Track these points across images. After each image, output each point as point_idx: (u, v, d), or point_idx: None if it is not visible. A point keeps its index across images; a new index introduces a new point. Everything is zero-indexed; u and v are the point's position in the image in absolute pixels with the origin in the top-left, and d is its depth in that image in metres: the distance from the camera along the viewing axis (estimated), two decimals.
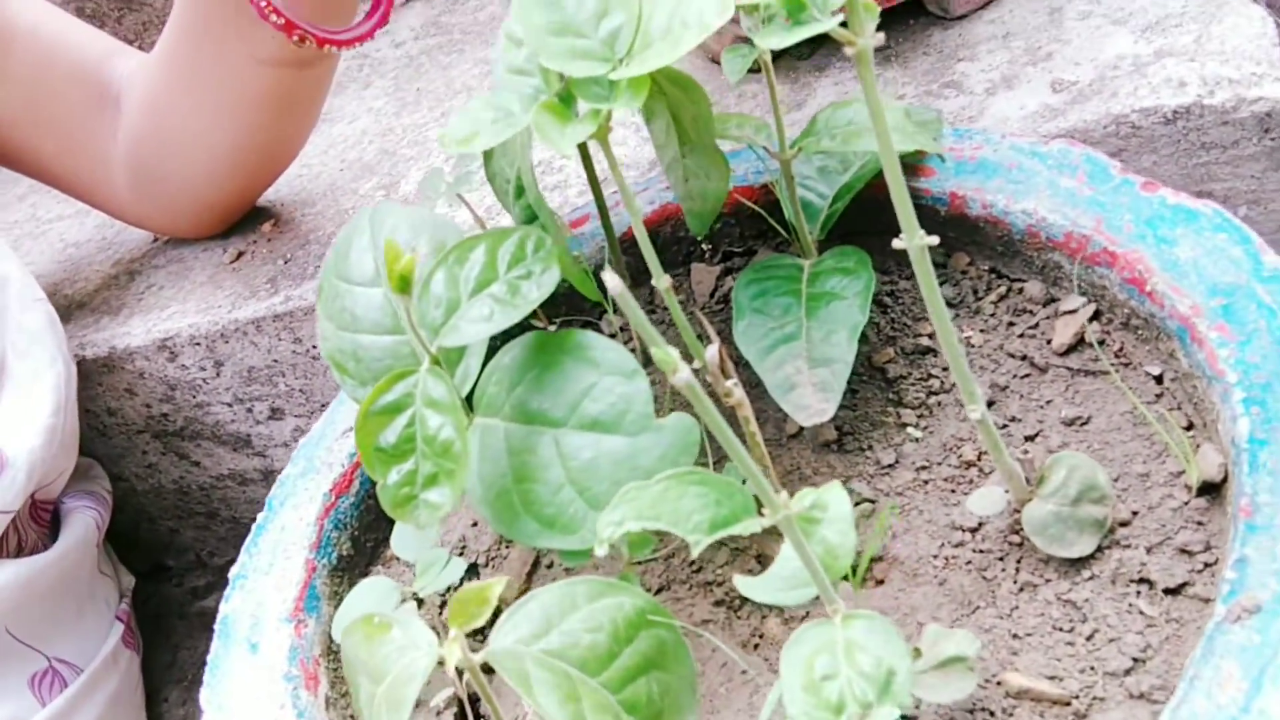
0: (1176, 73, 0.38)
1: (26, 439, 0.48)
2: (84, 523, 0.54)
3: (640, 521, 0.19)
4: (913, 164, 0.33)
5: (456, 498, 0.24)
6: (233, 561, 0.77)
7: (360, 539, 0.32)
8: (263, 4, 0.42)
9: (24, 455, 0.47)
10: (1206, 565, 0.23)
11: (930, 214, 0.32)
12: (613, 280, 0.18)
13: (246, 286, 0.53)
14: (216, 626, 0.29)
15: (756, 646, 0.26)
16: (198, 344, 0.53)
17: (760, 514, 0.20)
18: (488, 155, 0.31)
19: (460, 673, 0.20)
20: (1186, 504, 0.24)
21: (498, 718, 0.22)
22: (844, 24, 0.20)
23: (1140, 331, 0.28)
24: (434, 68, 0.68)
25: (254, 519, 0.66)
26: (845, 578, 0.22)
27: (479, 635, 0.28)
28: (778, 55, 0.46)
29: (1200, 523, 0.24)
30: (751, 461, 0.19)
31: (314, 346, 0.52)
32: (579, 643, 0.20)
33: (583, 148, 0.29)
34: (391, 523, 0.34)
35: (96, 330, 0.56)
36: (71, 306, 0.60)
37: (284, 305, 0.50)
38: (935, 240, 0.22)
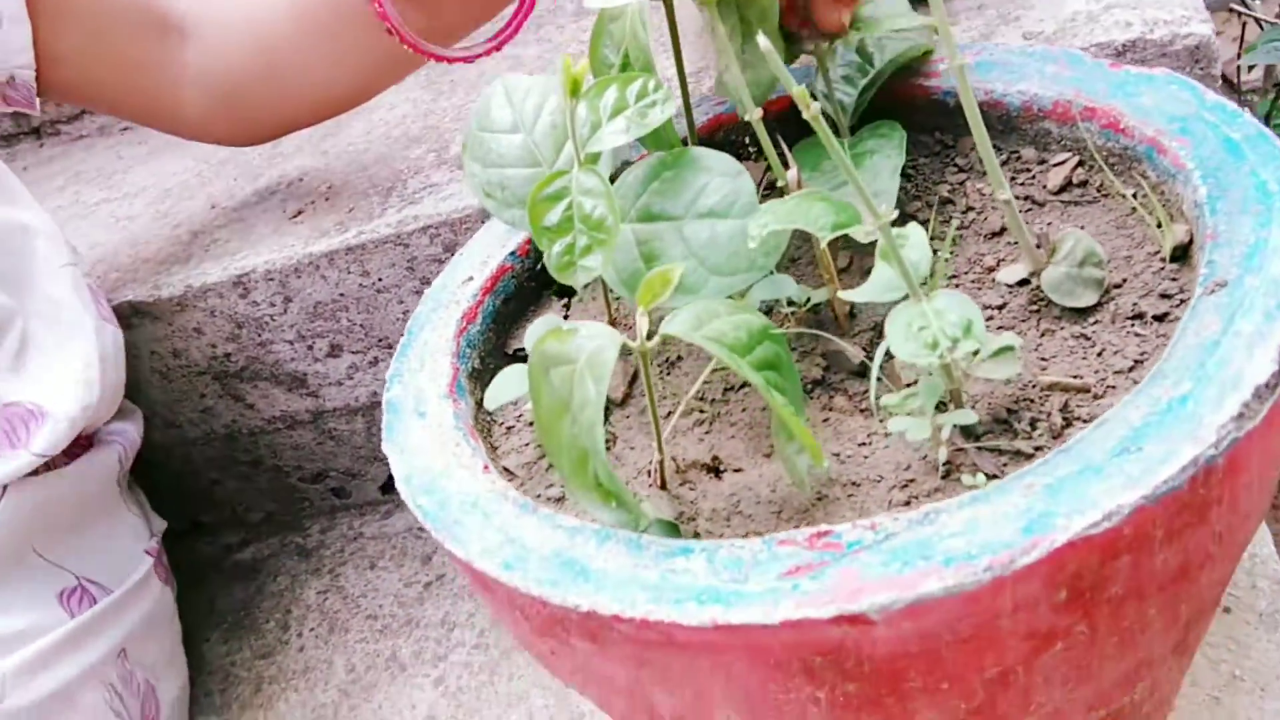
0: (1123, 17, 0.47)
1: (67, 396, 0.52)
2: (108, 450, 0.57)
3: (781, 223, 0.26)
4: (925, 69, 0.41)
5: (607, 263, 0.30)
6: (268, 516, 0.82)
7: (485, 360, 0.38)
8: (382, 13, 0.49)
9: (64, 409, 0.51)
10: (1183, 302, 0.30)
11: (941, 106, 0.40)
12: (764, 41, 0.25)
13: (315, 230, 0.59)
14: (385, 408, 0.34)
15: (826, 420, 0.33)
16: (271, 279, 0.59)
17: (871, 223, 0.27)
18: (595, 47, 0.38)
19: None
20: (1163, 268, 0.32)
21: (652, 399, 0.28)
22: None
23: (1116, 167, 0.35)
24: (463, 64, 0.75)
25: (297, 466, 0.71)
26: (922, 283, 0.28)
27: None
28: None
29: (1174, 278, 0.31)
30: (862, 184, 0.26)
31: (380, 279, 0.58)
32: (726, 334, 0.27)
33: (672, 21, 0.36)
34: (506, 357, 0.40)
35: (168, 274, 0.61)
36: (137, 262, 0.65)
37: (356, 239, 0.57)
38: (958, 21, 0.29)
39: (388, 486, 0.73)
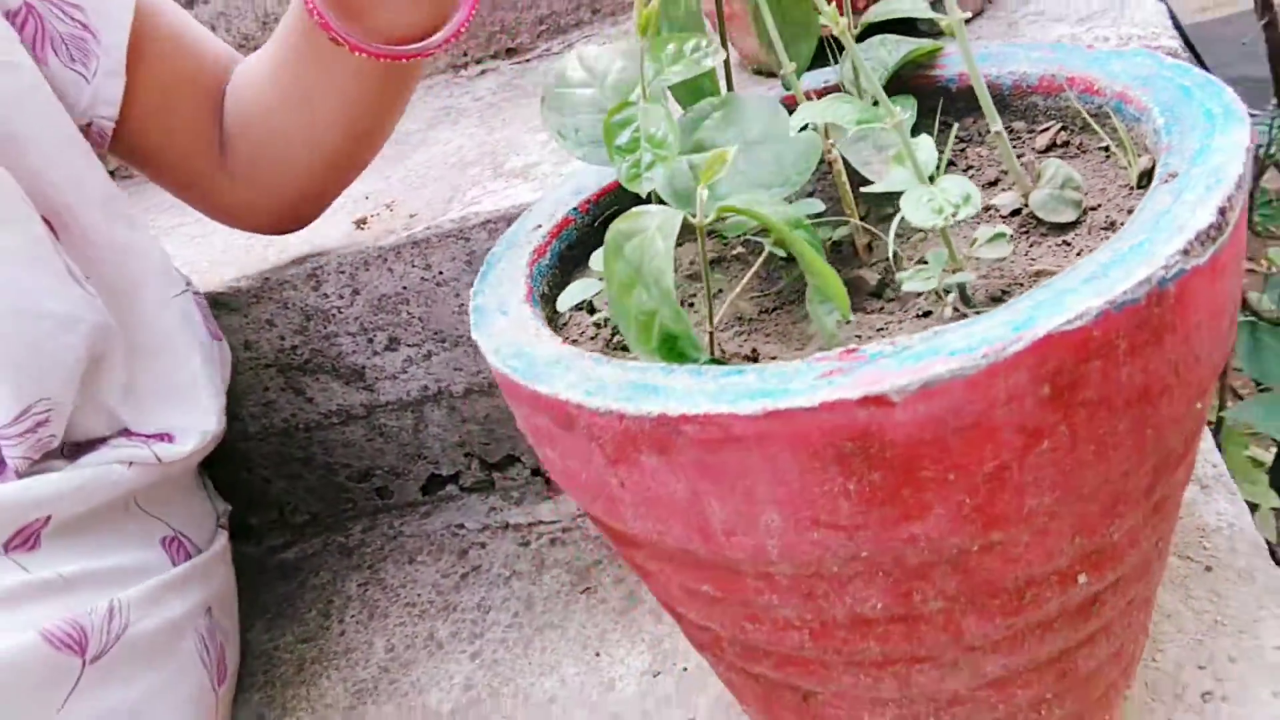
0: (1103, 33, 0.54)
1: (192, 428, 0.58)
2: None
3: (816, 117, 0.33)
4: (932, 62, 0.48)
5: (669, 174, 0.37)
6: (313, 518, 0.87)
7: (552, 289, 0.44)
8: (322, 23, 0.50)
9: (194, 433, 0.57)
10: None
11: (945, 92, 0.47)
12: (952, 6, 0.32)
13: (384, 231, 0.66)
14: (472, 313, 0.40)
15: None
16: (342, 271, 0.65)
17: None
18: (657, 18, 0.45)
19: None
20: (1132, 192, 0.38)
21: (705, 268, 0.34)
22: None
23: (1089, 130, 0.42)
24: (513, 109, 0.84)
25: (346, 465, 0.76)
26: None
27: None
28: None
29: (1141, 198, 0.38)
30: (878, 85, 0.33)
31: (441, 273, 0.65)
32: (770, 212, 0.33)
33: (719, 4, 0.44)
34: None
35: (244, 271, 0.68)
36: (214, 267, 0.72)
37: (422, 234, 0.63)
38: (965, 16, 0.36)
39: (428, 487, 0.78)
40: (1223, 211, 0.30)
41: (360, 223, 0.69)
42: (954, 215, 0.31)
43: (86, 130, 0.56)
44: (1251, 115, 0.98)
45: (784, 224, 0.32)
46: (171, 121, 0.58)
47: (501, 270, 0.43)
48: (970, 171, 0.44)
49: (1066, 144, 0.43)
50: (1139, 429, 0.31)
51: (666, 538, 0.34)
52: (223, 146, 0.60)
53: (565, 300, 0.39)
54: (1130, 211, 0.37)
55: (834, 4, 0.44)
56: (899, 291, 0.38)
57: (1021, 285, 0.35)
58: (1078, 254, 0.36)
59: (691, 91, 0.45)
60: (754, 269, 0.41)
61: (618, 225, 0.34)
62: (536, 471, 0.75)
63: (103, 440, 0.55)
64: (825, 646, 0.37)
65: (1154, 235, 0.30)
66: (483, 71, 0.92)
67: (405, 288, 0.65)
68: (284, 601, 0.76)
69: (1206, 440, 0.63)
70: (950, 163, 0.45)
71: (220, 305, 0.67)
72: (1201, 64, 1.22)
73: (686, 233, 0.42)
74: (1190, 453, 0.36)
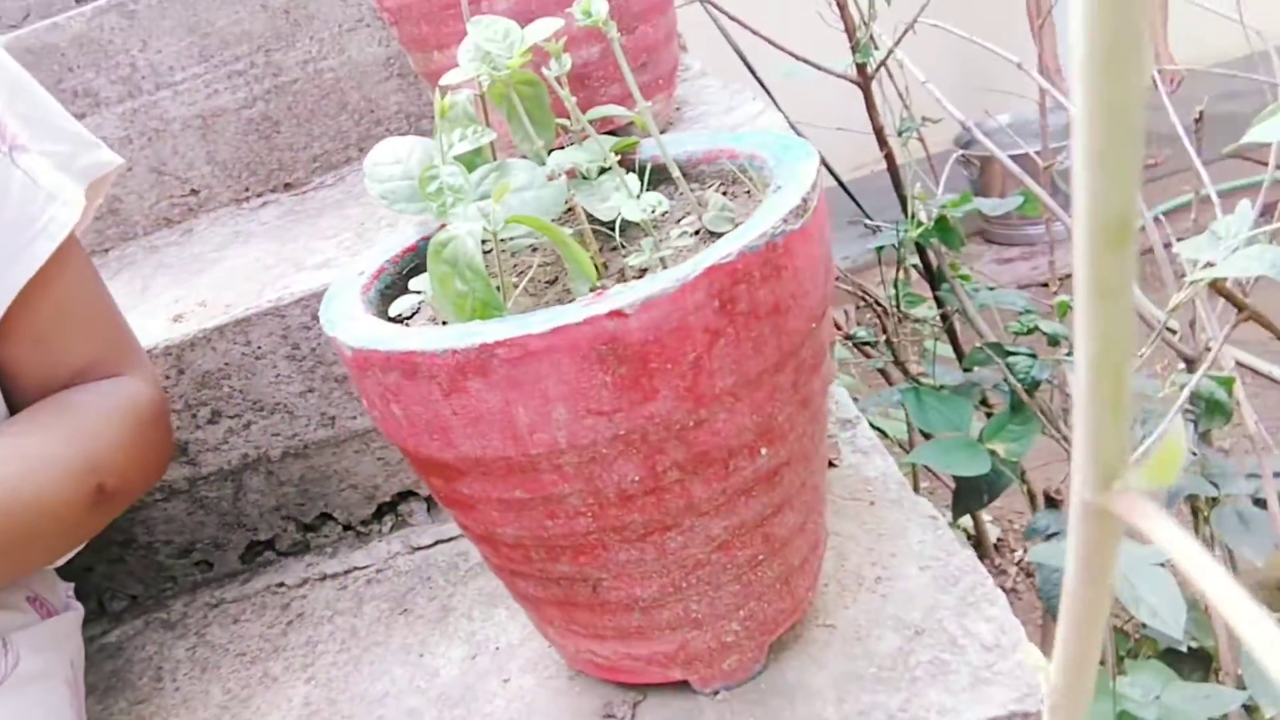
0: (766, 122, 0.78)
1: None
2: None
3: (565, 162, 0.51)
4: (633, 150, 0.69)
5: (467, 210, 0.54)
6: (133, 601, 0.94)
7: (380, 312, 0.59)
8: None
9: None
10: None
11: (643, 167, 0.68)
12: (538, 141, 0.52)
13: (205, 317, 0.77)
14: (324, 324, 0.54)
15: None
16: (169, 354, 0.76)
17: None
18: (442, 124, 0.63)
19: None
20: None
21: (500, 262, 0.51)
22: None
23: (738, 182, 0.64)
24: (300, 227, 0.98)
25: (168, 541, 0.84)
26: None
27: None
28: None
29: None
30: (606, 148, 0.52)
31: (260, 347, 0.77)
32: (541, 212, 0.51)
33: (484, 107, 0.63)
34: (389, 319, 0.61)
35: None
36: None
37: (243, 313, 0.75)
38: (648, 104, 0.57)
39: (246, 554, 0.87)
40: (805, 199, 0.51)
41: (177, 318, 0.80)
42: (653, 211, 0.50)
43: None
44: (888, 226, 1.31)
45: (551, 227, 0.50)
46: (28, 380, 0.61)
47: (339, 300, 0.58)
48: (664, 215, 0.64)
49: (726, 193, 0.65)
50: (777, 334, 0.50)
51: (488, 450, 0.50)
52: None
53: (396, 308, 0.55)
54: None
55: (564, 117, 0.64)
56: (624, 274, 0.57)
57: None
58: None
59: (472, 162, 0.63)
60: (533, 268, 0.58)
61: (436, 238, 0.51)
62: (348, 526, 0.86)
63: None
64: (604, 525, 0.53)
65: (769, 214, 0.50)
66: (264, 204, 1.05)
67: (227, 364, 0.76)
68: (112, 676, 0.81)
69: (862, 424, 0.85)
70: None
71: None
72: (858, 206, 1.57)
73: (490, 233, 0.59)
74: (820, 365, 0.56)
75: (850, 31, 1.33)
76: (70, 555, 0.64)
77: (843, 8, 1.31)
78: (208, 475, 0.81)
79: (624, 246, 0.59)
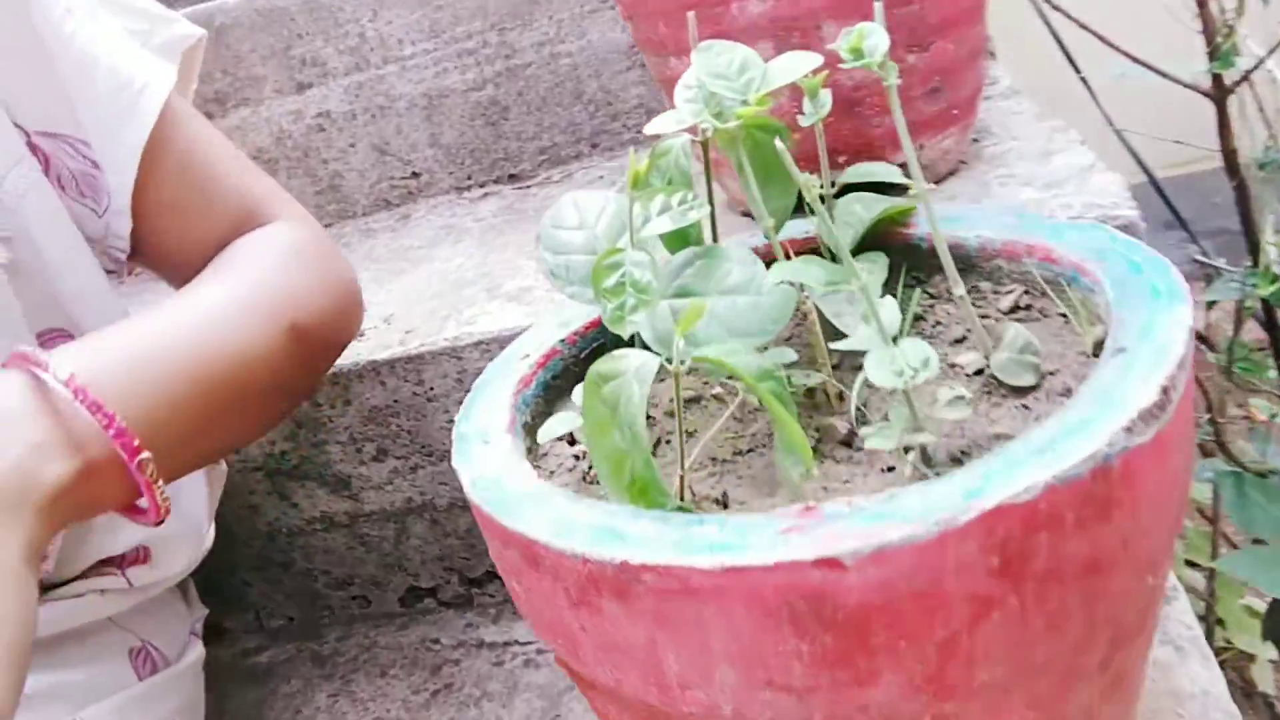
0: (1066, 202, 0.57)
1: (180, 553, 0.59)
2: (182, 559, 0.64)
3: (789, 276, 0.35)
4: (904, 220, 0.51)
5: (651, 318, 0.39)
6: (289, 623, 0.87)
7: (535, 419, 0.46)
8: None
9: (182, 556, 0.58)
10: None
11: (915, 249, 0.50)
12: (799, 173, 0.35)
13: (379, 345, 0.68)
14: (455, 440, 0.41)
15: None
16: (336, 382, 0.67)
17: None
18: (647, 172, 0.48)
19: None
20: (1087, 359, 0.40)
21: (679, 410, 0.36)
22: None
23: (1052, 286, 0.44)
24: (512, 232, 0.87)
25: (326, 571, 0.76)
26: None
27: None
28: None
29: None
30: (846, 249, 0.35)
31: (432, 389, 0.66)
32: (741, 362, 0.35)
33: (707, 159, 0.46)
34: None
35: None
36: None
37: (416, 349, 0.65)
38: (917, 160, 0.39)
39: (406, 599, 0.78)
40: (1166, 390, 0.32)
41: (360, 335, 0.71)
42: (913, 378, 0.33)
43: (102, 254, 0.57)
44: (1228, 270, 1.02)
45: (753, 376, 0.34)
46: (182, 262, 0.58)
47: (487, 397, 0.45)
48: (937, 327, 0.46)
49: (1029, 306, 0.45)
50: (1089, 602, 0.32)
51: (624, 685, 0.35)
52: None
53: (546, 432, 0.41)
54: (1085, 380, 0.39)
55: (815, 168, 0.47)
56: (851, 444, 0.40)
57: (981, 447, 0.36)
58: (1036, 419, 0.37)
59: (678, 237, 0.47)
60: (729, 411, 0.42)
61: (598, 367, 0.36)
62: None
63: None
64: None
65: (1101, 411, 0.32)
66: (485, 195, 0.95)
67: (396, 401, 0.67)
68: (253, 708, 0.75)
69: (1180, 600, 0.63)
70: (919, 317, 0.47)
71: None
72: (1176, 215, 1.27)
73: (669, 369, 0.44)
74: (1147, 625, 0.37)
75: (1210, 34, 1.04)
76: (277, 423, 0.55)
77: (1202, 5, 1.02)
78: (370, 513, 0.72)
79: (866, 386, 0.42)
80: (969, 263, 0.48)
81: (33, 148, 0.51)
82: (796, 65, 0.39)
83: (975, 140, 0.71)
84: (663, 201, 0.41)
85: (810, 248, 0.52)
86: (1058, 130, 0.68)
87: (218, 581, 0.77)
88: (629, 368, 0.34)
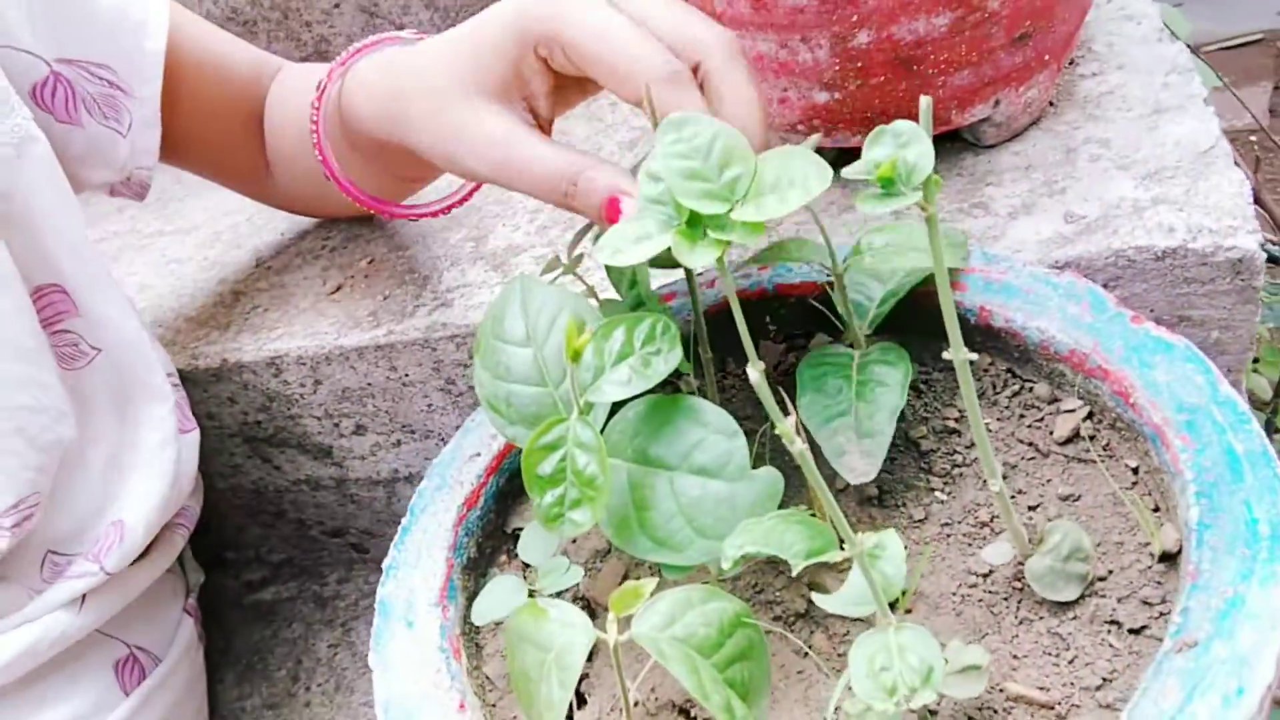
0: (1168, 219, 0.46)
1: (145, 511, 0.55)
2: (176, 535, 0.60)
3: (755, 547, 0.27)
4: (950, 280, 0.41)
5: (595, 519, 0.31)
6: (289, 560, 0.83)
7: (483, 545, 0.39)
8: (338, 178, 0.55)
9: (142, 523, 0.54)
10: (1161, 614, 0.30)
11: (963, 321, 0.40)
12: (754, 374, 0.26)
13: (349, 317, 0.60)
14: (377, 607, 0.35)
15: (805, 655, 0.34)
16: (303, 364, 0.60)
17: (840, 548, 0.27)
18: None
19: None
20: (1150, 568, 0.32)
21: (623, 686, 0.29)
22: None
23: (1123, 432, 0.35)
24: None
25: (319, 522, 0.73)
26: (892, 604, 0.29)
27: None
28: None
29: (1159, 582, 0.31)
30: (838, 510, 0.26)
31: (407, 375, 0.59)
32: (696, 633, 0.28)
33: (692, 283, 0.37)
34: (505, 535, 0.41)
35: (208, 343, 0.63)
36: (179, 319, 0.67)
37: (386, 338, 0.58)
38: (975, 356, 0.29)
39: None
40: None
41: (334, 291, 0.63)
42: (908, 699, 0.26)
43: (125, 184, 0.58)
44: None
45: (713, 671, 0.27)
46: (210, 141, 0.62)
47: (423, 531, 0.38)
48: (973, 452, 0.37)
49: (1093, 437, 0.36)
50: None
51: None
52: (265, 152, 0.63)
53: (479, 614, 0.34)
54: (1145, 604, 0.31)
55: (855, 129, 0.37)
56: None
57: (994, 713, 0.29)
58: (1070, 662, 0.30)
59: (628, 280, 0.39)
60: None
61: (517, 623, 0.29)
62: None
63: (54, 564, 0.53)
64: None
65: None
66: None
67: (370, 384, 0.60)
68: (255, 654, 0.75)
69: None
70: (953, 430, 0.39)
71: (181, 378, 0.63)
72: None
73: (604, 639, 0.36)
74: None
75: None
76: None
77: None
78: (356, 479, 0.68)
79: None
80: (1026, 355, 0.39)
81: (39, 86, 0.52)
82: (790, 198, 0.29)
83: (1071, 63, 0.57)
84: (622, 340, 0.33)
85: (827, 296, 0.42)
86: (1177, 70, 0.54)
87: (212, 522, 0.75)
88: (551, 645, 0.27)
